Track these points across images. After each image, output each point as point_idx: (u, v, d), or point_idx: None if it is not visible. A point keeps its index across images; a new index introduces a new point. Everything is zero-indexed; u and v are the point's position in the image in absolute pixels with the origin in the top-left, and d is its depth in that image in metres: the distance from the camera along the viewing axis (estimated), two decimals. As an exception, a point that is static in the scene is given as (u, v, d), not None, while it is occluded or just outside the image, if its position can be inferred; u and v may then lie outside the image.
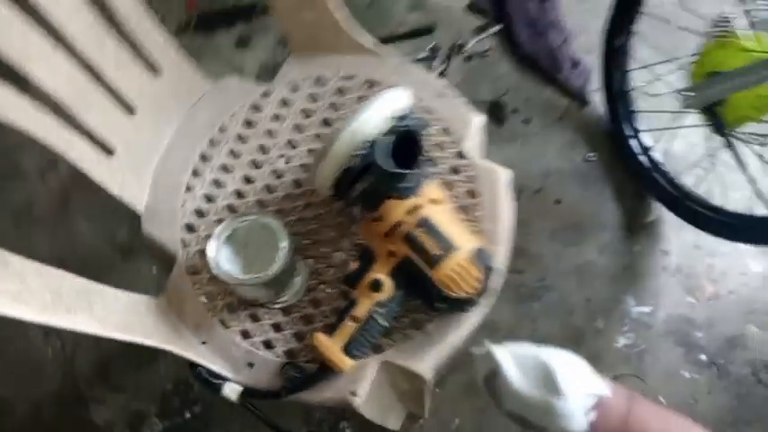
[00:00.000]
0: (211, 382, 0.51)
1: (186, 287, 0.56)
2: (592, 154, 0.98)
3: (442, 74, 1.02)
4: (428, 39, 1.04)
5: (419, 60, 1.03)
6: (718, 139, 0.77)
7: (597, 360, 0.89)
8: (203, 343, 0.53)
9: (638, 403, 0.39)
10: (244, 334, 0.54)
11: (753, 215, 0.78)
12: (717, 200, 0.85)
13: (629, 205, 0.96)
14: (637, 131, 0.91)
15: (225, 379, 0.51)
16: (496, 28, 1.03)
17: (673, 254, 0.93)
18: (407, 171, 0.45)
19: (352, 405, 0.49)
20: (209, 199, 0.61)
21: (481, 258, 0.47)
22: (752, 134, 0.76)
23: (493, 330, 0.92)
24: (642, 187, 0.94)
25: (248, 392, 0.51)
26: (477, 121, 0.63)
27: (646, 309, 0.91)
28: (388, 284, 0.47)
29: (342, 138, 0.44)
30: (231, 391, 0.51)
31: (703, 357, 0.89)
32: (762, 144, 0.76)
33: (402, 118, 0.46)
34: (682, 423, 0.39)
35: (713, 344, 0.89)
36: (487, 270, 0.47)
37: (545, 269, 0.94)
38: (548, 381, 0.40)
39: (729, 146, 0.76)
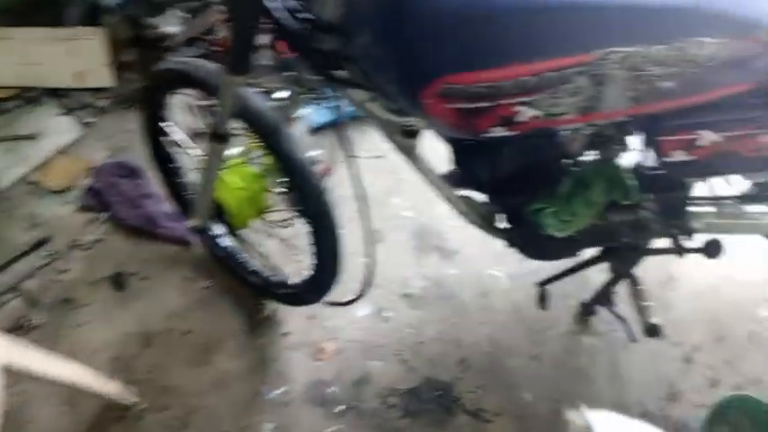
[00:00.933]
0: None
1: None
2: (208, 282, 1.20)
3: (64, 271, 1.21)
4: (48, 246, 1.25)
5: (39, 268, 1.22)
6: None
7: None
8: None
9: None
10: None
11: (298, 282, 1.04)
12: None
13: (247, 310, 1.16)
14: (215, 236, 1.16)
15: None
16: (104, 216, 1.29)
17: (292, 333, 1.13)
18: None
19: None
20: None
21: None
22: (272, 222, 1.04)
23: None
24: (249, 288, 1.16)
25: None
26: None
27: (279, 391, 1.07)
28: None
29: None
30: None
31: (341, 407, 1.05)
32: (284, 227, 1.04)
33: None
34: None
35: (345, 392, 1.07)
36: None
37: (188, 395, 1.06)
38: None
39: (243, 242, 1.05)
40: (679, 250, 0.79)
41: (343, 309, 1.15)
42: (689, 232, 0.78)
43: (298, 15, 0.54)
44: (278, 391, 1.07)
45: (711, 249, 0.79)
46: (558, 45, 0.45)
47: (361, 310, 1.16)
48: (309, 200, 0.86)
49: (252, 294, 1.16)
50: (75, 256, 1.24)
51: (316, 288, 1.02)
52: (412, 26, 0.45)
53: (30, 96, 1.51)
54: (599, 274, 1.02)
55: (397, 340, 1.12)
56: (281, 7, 0.54)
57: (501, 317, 1.16)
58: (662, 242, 0.86)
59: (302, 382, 1.08)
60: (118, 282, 1.20)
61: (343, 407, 1.05)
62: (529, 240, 0.80)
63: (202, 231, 1.05)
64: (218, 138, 0.76)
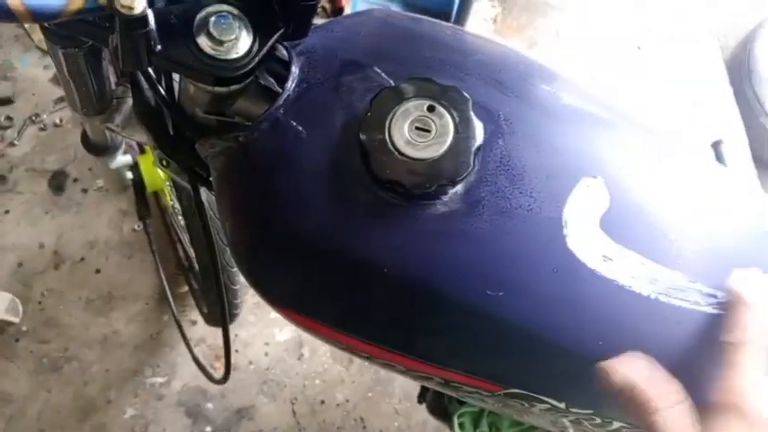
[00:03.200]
0: None
1: None
2: (139, 224, 1.22)
3: (12, 143, 1.25)
4: (8, 109, 1.28)
5: (-7, 128, 1.26)
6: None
7: (103, 431, 1.07)
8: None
9: None
10: None
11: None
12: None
13: (167, 276, 1.19)
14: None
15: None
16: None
17: (201, 325, 1.15)
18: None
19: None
20: None
21: None
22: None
23: (5, 402, 1.08)
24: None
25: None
26: None
27: (160, 379, 1.12)
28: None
29: None
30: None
31: (209, 429, 1.09)
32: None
33: None
34: None
35: (222, 415, 1.11)
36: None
37: (72, 339, 1.13)
38: None
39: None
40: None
41: (264, 324, 1.16)
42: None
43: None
44: (158, 379, 1.12)
45: None
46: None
47: (284, 334, 1.17)
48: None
49: (177, 263, 1.18)
50: (30, 133, 1.26)
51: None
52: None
53: None
54: None
55: (300, 386, 1.13)
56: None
57: (421, 415, 1.14)
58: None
59: (185, 382, 1.12)
60: (57, 182, 1.24)
61: (211, 429, 1.10)
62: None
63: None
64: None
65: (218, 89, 0.40)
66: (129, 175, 0.85)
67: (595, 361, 0.34)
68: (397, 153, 0.34)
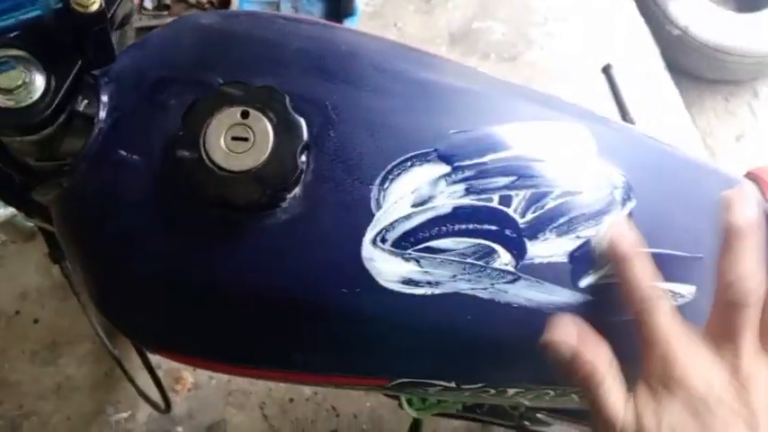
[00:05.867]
0: None
1: None
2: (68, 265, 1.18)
3: None
4: None
5: None
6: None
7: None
8: None
9: None
10: None
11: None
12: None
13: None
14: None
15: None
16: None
17: (154, 351, 1.13)
18: None
19: None
20: None
21: None
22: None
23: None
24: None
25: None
26: None
27: (124, 414, 1.10)
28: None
29: None
30: None
31: (181, 451, 1.08)
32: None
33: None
34: None
35: (193, 435, 1.09)
36: None
37: (25, 395, 1.10)
38: None
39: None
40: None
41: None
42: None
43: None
44: (122, 415, 1.10)
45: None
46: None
47: (240, 341, 1.15)
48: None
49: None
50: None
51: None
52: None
53: None
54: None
55: (265, 391, 1.12)
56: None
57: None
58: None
59: (149, 412, 1.10)
60: (-27, 238, 1.19)
61: (183, 453, 1.09)
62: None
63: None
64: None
65: (29, 138, 0.37)
66: (29, 222, 0.81)
67: (464, 338, 0.33)
68: (217, 169, 0.32)
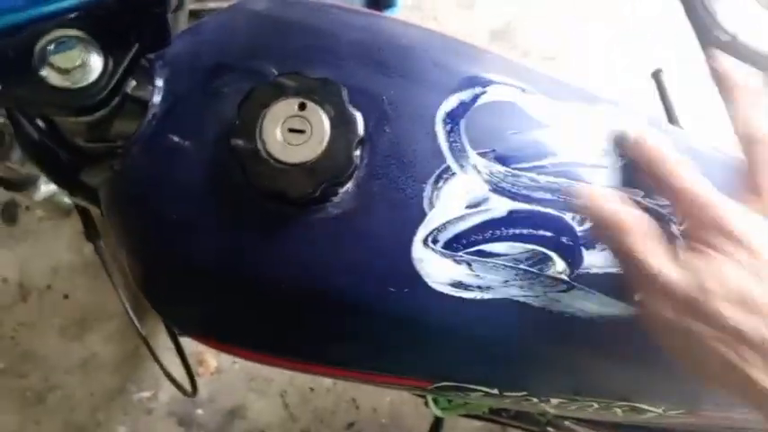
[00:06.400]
0: None
1: None
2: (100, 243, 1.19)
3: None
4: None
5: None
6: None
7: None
8: None
9: None
10: None
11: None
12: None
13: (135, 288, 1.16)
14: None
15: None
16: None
17: (179, 333, 1.14)
18: None
19: None
20: None
21: None
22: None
23: (-5, 441, 1.07)
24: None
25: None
26: None
27: (147, 394, 1.11)
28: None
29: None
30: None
31: (204, 433, 1.09)
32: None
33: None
34: None
35: (214, 419, 1.10)
36: None
37: (51, 369, 1.11)
38: None
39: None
40: None
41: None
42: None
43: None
44: (144, 394, 1.11)
45: None
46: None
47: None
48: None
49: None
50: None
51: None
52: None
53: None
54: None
55: (287, 378, 1.13)
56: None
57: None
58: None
59: (172, 392, 1.11)
60: (10, 212, 1.20)
61: (206, 435, 1.10)
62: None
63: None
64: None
65: (83, 119, 0.37)
66: (68, 199, 0.82)
67: (512, 345, 0.32)
68: (272, 161, 0.32)
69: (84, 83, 0.34)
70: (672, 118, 0.73)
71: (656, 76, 0.73)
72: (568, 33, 1.35)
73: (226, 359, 1.12)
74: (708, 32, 1.53)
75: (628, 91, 1.19)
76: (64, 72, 0.33)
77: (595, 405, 0.39)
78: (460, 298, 0.33)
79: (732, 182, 0.39)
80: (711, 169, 0.40)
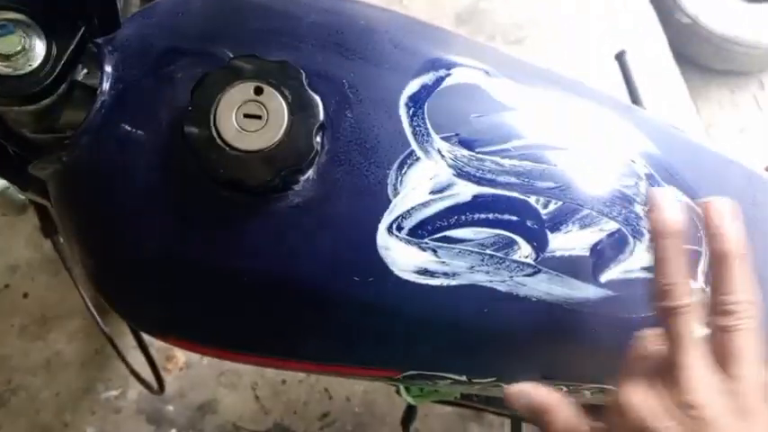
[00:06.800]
0: None
1: None
2: (60, 239, 1.16)
3: None
4: None
5: None
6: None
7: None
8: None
9: None
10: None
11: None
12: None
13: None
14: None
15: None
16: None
17: (146, 329, 1.12)
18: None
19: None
20: None
21: None
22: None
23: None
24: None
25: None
26: None
27: (114, 392, 1.08)
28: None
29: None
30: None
31: (173, 431, 1.07)
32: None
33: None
34: None
35: (184, 414, 1.08)
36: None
37: (12, 370, 1.08)
38: None
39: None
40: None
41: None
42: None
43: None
44: (112, 393, 1.09)
45: None
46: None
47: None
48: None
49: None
50: None
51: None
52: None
53: None
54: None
55: (257, 371, 1.11)
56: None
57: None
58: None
59: (140, 389, 1.09)
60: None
61: (176, 431, 1.08)
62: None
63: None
64: None
65: (28, 108, 0.35)
66: (21, 195, 0.79)
67: (479, 331, 0.32)
68: (227, 148, 0.31)
69: (27, 69, 0.32)
70: (636, 99, 0.74)
71: (620, 57, 0.73)
72: (535, 17, 1.35)
73: (195, 355, 1.11)
74: (669, 15, 1.55)
75: (594, 74, 1.20)
76: (4, 58, 0.31)
77: (564, 388, 0.39)
78: (427, 285, 0.33)
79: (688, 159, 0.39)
80: (673, 148, 0.40)
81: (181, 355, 1.11)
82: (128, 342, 1.05)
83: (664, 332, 0.31)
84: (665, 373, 0.30)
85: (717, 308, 0.31)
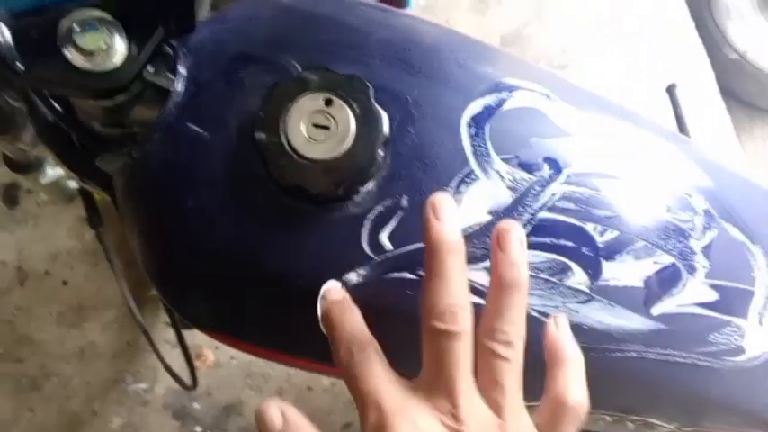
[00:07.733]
0: None
1: None
2: (100, 230, 1.18)
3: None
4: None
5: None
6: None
7: (89, 443, 1.06)
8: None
9: None
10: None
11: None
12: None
13: (136, 280, 1.16)
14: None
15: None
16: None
17: (178, 325, 1.13)
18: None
19: None
20: None
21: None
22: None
23: (-15, 426, 1.07)
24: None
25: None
26: None
27: (143, 385, 1.10)
28: None
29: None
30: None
31: (198, 429, 1.08)
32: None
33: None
34: None
35: (210, 413, 1.09)
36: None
37: (47, 355, 1.10)
38: None
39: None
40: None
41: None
42: None
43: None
44: (140, 386, 1.10)
45: None
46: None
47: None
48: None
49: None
50: (-25, 147, 1.22)
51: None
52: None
53: None
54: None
55: (285, 376, 1.12)
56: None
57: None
58: None
59: (168, 384, 1.10)
60: (11, 195, 1.19)
61: (200, 429, 1.08)
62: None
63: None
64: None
65: (102, 103, 0.36)
66: (73, 184, 0.81)
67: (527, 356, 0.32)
68: (295, 155, 0.31)
69: (108, 66, 0.33)
70: (684, 133, 0.73)
71: (671, 90, 0.73)
72: (580, 42, 1.35)
73: (224, 354, 1.11)
74: (717, 50, 1.53)
75: (640, 103, 1.19)
76: (87, 54, 0.32)
77: (608, 419, 0.38)
78: (479, 305, 0.33)
79: (743, 196, 0.38)
80: (728, 183, 0.40)
81: (210, 353, 1.12)
82: (159, 336, 1.07)
83: (428, 348, 0.30)
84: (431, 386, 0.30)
85: (492, 333, 0.30)
